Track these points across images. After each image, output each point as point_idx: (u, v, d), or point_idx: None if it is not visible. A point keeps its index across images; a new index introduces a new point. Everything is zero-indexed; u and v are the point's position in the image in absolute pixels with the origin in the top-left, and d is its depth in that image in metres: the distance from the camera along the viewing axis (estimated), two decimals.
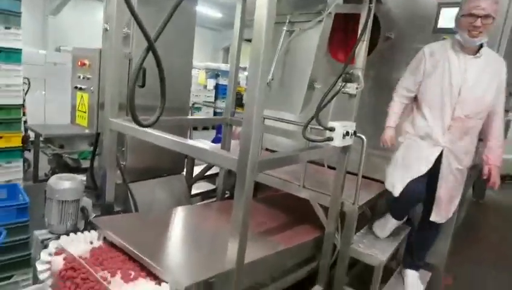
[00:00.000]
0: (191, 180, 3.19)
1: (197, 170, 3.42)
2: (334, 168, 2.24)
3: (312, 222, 2.38)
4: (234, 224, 1.34)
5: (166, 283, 1.38)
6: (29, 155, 4.15)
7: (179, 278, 1.35)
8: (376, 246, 2.35)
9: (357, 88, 2.03)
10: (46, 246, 1.61)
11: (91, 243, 1.66)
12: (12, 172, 2.97)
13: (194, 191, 3.40)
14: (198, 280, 1.36)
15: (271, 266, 1.86)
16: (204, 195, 3.83)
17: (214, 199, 3.24)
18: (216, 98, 9.33)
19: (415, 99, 2.26)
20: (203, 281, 1.39)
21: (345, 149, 2.07)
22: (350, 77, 2.07)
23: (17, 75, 2.90)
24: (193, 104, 3.27)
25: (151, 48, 1.12)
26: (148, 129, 1.69)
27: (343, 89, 2.01)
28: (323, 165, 2.59)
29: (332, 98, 1.96)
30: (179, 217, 2.12)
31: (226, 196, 3.17)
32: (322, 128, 1.96)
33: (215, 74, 9.66)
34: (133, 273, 1.44)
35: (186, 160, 3.14)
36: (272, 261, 1.85)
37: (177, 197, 2.82)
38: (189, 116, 3.18)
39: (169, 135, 1.61)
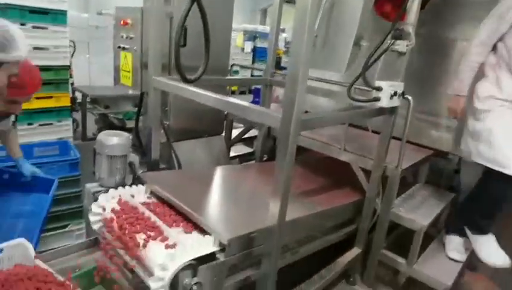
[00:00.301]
0: (229, 142, 3.23)
1: (235, 132, 3.46)
2: (376, 133, 2.17)
3: (352, 186, 2.35)
4: (277, 181, 1.34)
5: (210, 235, 1.44)
6: (77, 116, 4.37)
7: (222, 231, 1.39)
8: (417, 211, 2.30)
9: (407, 46, 1.90)
10: (96, 199, 1.70)
11: (138, 196, 1.75)
12: (63, 130, 3.16)
13: (232, 154, 3.46)
14: (240, 234, 1.40)
15: (310, 226, 1.88)
16: (241, 158, 3.89)
17: (252, 162, 3.27)
18: (253, 61, 9.17)
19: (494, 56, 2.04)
20: (244, 235, 1.42)
21: (391, 110, 1.97)
22: (400, 34, 1.93)
23: (63, 36, 3.00)
24: (232, 65, 3.23)
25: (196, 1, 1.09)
26: (191, 87, 1.70)
27: (392, 47, 1.88)
28: (366, 129, 2.52)
29: (380, 56, 1.85)
30: (220, 175, 2.16)
31: (264, 159, 3.19)
32: (368, 88, 1.88)
33: (252, 36, 9.44)
34: (180, 224, 1.51)
35: (225, 122, 3.17)
36: (311, 221, 1.86)
37: (216, 157, 2.88)
38: (229, 77, 3.17)
39: (212, 93, 1.61)
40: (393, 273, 2.44)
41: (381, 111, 1.94)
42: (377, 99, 1.81)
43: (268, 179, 2.19)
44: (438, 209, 2.40)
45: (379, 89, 1.80)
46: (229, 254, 1.37)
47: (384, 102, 1.80)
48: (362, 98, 1.88)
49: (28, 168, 2.06)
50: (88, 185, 1.94)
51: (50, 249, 1.86)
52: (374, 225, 2.27)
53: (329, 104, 2.95)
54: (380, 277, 2.41)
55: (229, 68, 3.08)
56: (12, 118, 1.99)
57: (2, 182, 2.10)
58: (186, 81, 1.27)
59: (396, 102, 1.87)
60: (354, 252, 2.29)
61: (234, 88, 6.97)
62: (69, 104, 3.30)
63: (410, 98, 1.96)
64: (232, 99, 1.58)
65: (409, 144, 2.16)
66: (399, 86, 1.87)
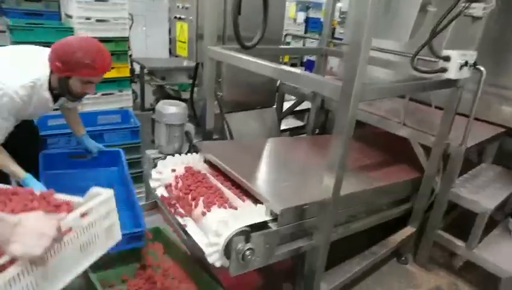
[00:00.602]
0: (280, 115, 3.21)
1: (286, 105, 3.42)
2: (440, 108, 2.02)
3: (409, 162, 2.24)
4: (333, 154, 1.31)
5: (262, 204, 1.46)
6: (135, 87, 4.57)
7: (275, 201, 1.40)
8: (481, 192, 2.14)
9: (484, 9, 1.70)
10: (156, 164, 1.79)
11: (193, 164, 1.81)
12: (124, 100, 3.33)
13: (282, 127, 3.44)
14: (292, 205, 1.41)
15: (364, 202, 1.83)
16: (292, 131, 3.86)
17: (303, 135, 3.24)
18: (306, 31, 8.86)
19: None
20: (297, 207, 1.43)
21: (458, 83, 1.82)
22: None
23: (123, 8, 3.10)
24: (285, 35, 3.15)
25: None
26: (246, 56, 1.68)
27: (465, 11, 1.70)
28: (427, 104, 2.35)
29: (450, 22, 1.68)
30: (272, 146, 2.16)
31: (315, 133, 3.13)
32: (433, 58, 1.73)
33: (305, 6, 9.10)
34: (233, 192, 1.55)
35: (276, 94, 3.14)
36: (366, 197, 1.81)
37: (267, 129, 2.89)
38: (284, 46, 3.10)
39: (267, 62, 1.58)
40: (449, 255, 2.33)
41: (448, 83, 1.79)
42: (444, 70, 1.66)
43: (320, 152, 2.16)
44: (506, 193, 2.21)
45: (447, 58, 1.65)
46: (281, 224, 1.39)
47: (452, 73, 1.65)
48: (427, 69, 1.75)
49: (93, 145, 2.04)
50: (148, 152, 2.05)
51: None
52: (431, 204, 2.17)
53: (386, 76, 2.79)
54: (433, 258, 2.32)
55: (283, 38, 3.00)
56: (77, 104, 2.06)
57: (68, 162, 2.03)
58: (244, 47, 1.25)
59: (466, 73, 1.71)
60: (408, 231, 2.21)
61: (286, 59, 6.81)
62: (129, 75, 3.45)
63: (483, 69, 1.79)
64: (289, 68, 1.54)
65: (475, 120, 1.99)
66: (471, 56, 1.70)
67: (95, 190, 1.09)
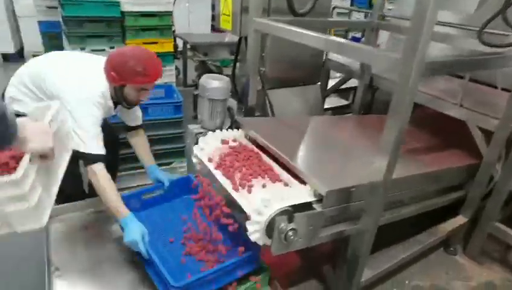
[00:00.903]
0: (324, 93, 3.09)
1: (331, 83, 3.28)
2: (506, 90, 1.82)
3: (465, 147, 2.06)
4: (387, 135, 1.21)
5: (305, 185, 1.40)
6: (178, 64, 4.60)
7: (321, 182, 1.34)
8: None
9: None
10: (198, 140, 1.78)
11: (235, 140, 1.77)
12: (167, 75, 3.36)
13: (325, 106, 3.32)
14: (339, 187, 1.34)
15: (415, 187, 1.71)
16: (335, 110, 3.72)
17: (349, 114, 3.10)
18: (352, 4, 8.44)
19: None
20: (343, 189, 1.35)
21: None
22: None
23: None
24: (333, 8, 2.98)
25: None
26: (294, 27, 1.59)
27: None
28: (487, 85, 2.14)
29: None
30: (317, 125, 2.08)
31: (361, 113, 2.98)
32: (504, 32, 1.55)
33: None
34: (276, 171, 1.51)
35: (322, 71, 3.01)
36: (417, 182, 1.70)
37: (311, 107, 2.79)
38: (333, 19, 2.95)
39: (316, 32, 1.48)
40: (505, 249, 2.16)
41: None
42: None
43: (367, 132, 2.04)
44: None
45: None
46: (326, 206, 1.32)
47: None
48: (497, 43, 1.56)
49: (164, 175, 1.93)
50: (191, 126, 2.05)
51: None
52: (487, 193, 2.00)
53: (440, 52, 2.56)
54: (486, 252, 2.16)
55: (331, 11, 2.84)
56: (140, 120, 2.02)
57: (142, 202, 1.90)
58: (296, 14, 1.16)
59: None
60: (459, 220, 2.07)
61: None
62: (172, 50, 3.46)
63: None
64: (341, 39, 1.43)
65: None
66: None
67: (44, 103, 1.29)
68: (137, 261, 1.61)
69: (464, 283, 1.97)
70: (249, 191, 1.41)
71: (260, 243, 1.31)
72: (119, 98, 1.72)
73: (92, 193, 1.64)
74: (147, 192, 1.89)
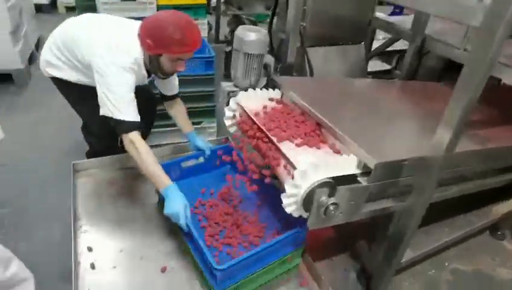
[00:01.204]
0: (368, 54, 2.82)
1: (375, 44, 2.99)
2: None
3: None
4: (453, 105, 1.02)
5: (348, 155, 1.24)
6: (210, 19, 4.38)
7: (370, 153, 1.17)
8: None
9: None
10: (231, 98, 1.63)
11: (272, 100, 1.62)
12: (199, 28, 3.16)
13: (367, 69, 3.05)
14: (389, 160, 1.17)
15: (473, 164, 1.51)
16: (375, 74, 3.44)
17: (395, 80, 2.84)
18: None
19: None
20: (394, 162, 1.19)
21: None
22: None
23: None
24: None
25: None
26: None
27: None
28: None
29: None
30: (362, 88, 1.87)
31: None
32: None
33: None
34: (318, 137, 1.35)
35: (367, 30, 2.72)
36: (476, 158, 1.49)
37: (353, 69, 2.55)
38: None
39: None
40: None
41: None
42: None
43: (420, 101, 1.82)
44: None
45: None
46: (373, 180, 1.17)
47: None
48: None
49: (203, 142, 1.85)
50: (223, 84, 1.90)
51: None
52: None
53: None
54: None
55: None
56: (176, 88, 1.91)
57: (181, 171, 1.81)
58: None
59: None
60: None
61: None
62: (205, 2, 3.24)
63: None
64: None
65: None
66: None
67: None
68: (174, 230, 1.55)
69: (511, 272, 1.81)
70: (291, 153, 1.27)
71: (296, 215, 1.19)
72: (153, 68, 1.60)
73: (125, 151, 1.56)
74: (186, 160, 1.79)
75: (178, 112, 1.92)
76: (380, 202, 1.30)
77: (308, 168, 1.13)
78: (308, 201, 1.14)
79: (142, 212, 1.70)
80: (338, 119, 1.36)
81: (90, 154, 2.10)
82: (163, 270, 1.42)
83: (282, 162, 1.30)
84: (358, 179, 1.20)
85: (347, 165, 1.21)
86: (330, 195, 1.11)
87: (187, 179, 1.79)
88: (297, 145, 1.32)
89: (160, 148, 2.09)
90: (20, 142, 2.65)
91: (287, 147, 1.30)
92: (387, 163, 1.16)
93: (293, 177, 1.16)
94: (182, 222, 1.37)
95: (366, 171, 1.20)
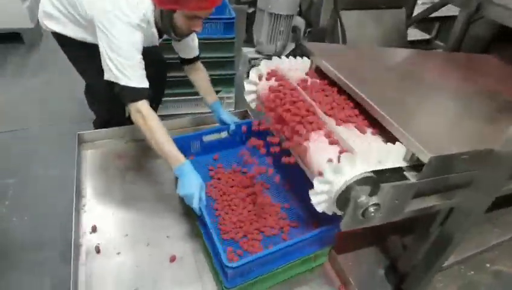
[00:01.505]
0: (409, 21, 2.49)
1: (417, 10, 2.64)
2: None
3: None
4: None
5: (394, 143, 1.02)
6: None
7: (423, 143, 0.94)
8: None
9: None
10: (254, 66, 1.40)
11: (301, 70, 1.38)
12: None
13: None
14: (448, 152, 0.94)
15: None
16: (413, 44, 3.09)
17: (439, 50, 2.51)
18: None
19: None
20: (453, 156, 0.96)
21: None
22: None
23: None
24: None
25: None
26: None
27: None
28: None
29: None
30: (407, 61, 1.59)
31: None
32: None
33: None
34: (356, 118, 1.13)
35: None
36: None
37: (392, 37, 2.25)
38: None
39: None
40: None
41: None
42: None
43: (475, 78, 1.54)
44: None
45: None
46: (424, 176, 0.95)
47: None
48: None
49: (229, 116, 1.68)
50: (245, 50, 1.65)
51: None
52: None
53: None
54: None
55: None
56: (196, 50, 1.69)
57: (203, 146, 1.66)
58: None
59: None
60: None
61: None
62: None
63: None
64: None
65: None
66: None
67: None
68: (189, 212, 1.40)
69: None
70: (320, 141, 1.06)
71: (329, 212, 1.00)
72: (165, 26, 1.38)
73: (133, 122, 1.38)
74: (208, 134, 1.61)
75: (199, 78, 1.71)
76: (426, 199, 1.09)
77: (339, 165, 0.92)
78: (343, 199, 0.94)
79: (152, 190, 1.55)
80: (382, 99, 1.12)
81: (97, 124, 1.94)
82: (172, 260, 1.28)
83: (309, 149, 1.08)
84: (405, 173, 0.98)
85: (393, 156, 0.99)
86: (371, 193, 0.91)
87: (206, 155, 1.63)
88: (326, 130, 1.10)
89: (176, 119, 1.91)
90: (29, 107, 2.53)
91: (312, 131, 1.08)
92: (444, 157, 0.93)
93: (320, 172, 0.95)
94: (196, 205, 1.22)
95: (415, 165, 0.99)
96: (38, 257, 1.58)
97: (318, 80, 1.33)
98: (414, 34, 3.24)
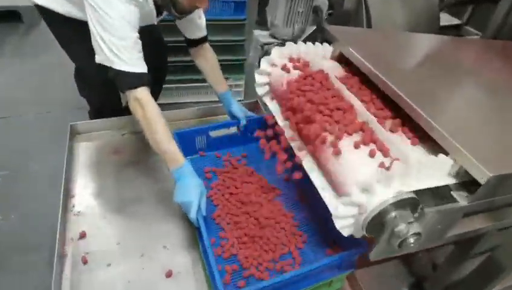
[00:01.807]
0: (442, 3, 2.24)
1: None
2: None
3: None
4: None
5: (436, 153, 0.82)
6: None
7: (480, 158, 0.74)
8: None
9: None
10: (267, 52, 1.20)
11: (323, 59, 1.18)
12: None
13: None
14: (510, 172, 0.74)
15: None
16: (442, 30, 2.82)
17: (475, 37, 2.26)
18: None
19: None
20: None
21: None
22: None
23: None
24: None
25: None
26: None
27: None
28: None
29: None
30: (446, 51, 1.35)
31: None
32: None
33: None
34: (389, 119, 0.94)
35: None
36: None
37: (421, 21, 2.02)
38: None
39: None
40: None
41: None
42: None
43: None
44: None
45: None
46: (479, 197, 0.76)
47: None
48: None
49: (239, 107, 1.50)
50: (257, 33, 1.45)
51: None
52: None
53: None
54: None
55: None
56: (204, 29, 1.49)
57: (209, 141, 1.48)
58: None
59: None
60: None
61: None
62: None
63: None
64: None
65: None
66: None
67: None
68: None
69: None
70: (340, 154, 0.87)
71: (358, 236, 0.83)
72: (165, 1, 1.20)
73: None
74: (215, 129, 1.43)
75: (207, 63, 1.52)
76: (473, 220, 0.90)
77: (387, 174, 0.73)
78: (376, 224, 0.76)
79: (152, 190, 1.39)
80: (424, 100, 0.92)
81: (92, 114, 1.77)
82: (168, 275, 1.12)
83: (331, 160, 0.89)
84: (453, 193, 0.79)
85: (435, 170, 0.80)
86: (411, 220, 0.73)
87: (212, 151, 1.46)
88: (351, 135, 0.90)
89: (178, 109, 1.74)
90: (25, 91, 2.38)
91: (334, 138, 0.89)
92: (506, 176, 0.74)
93: (348, 193, 0.77)
94: (193, 216, 1.06)
95: (464, 182, 0.80)
96: (24, 259, 1.45)
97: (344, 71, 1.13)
98: (443, 18, 2.96)
